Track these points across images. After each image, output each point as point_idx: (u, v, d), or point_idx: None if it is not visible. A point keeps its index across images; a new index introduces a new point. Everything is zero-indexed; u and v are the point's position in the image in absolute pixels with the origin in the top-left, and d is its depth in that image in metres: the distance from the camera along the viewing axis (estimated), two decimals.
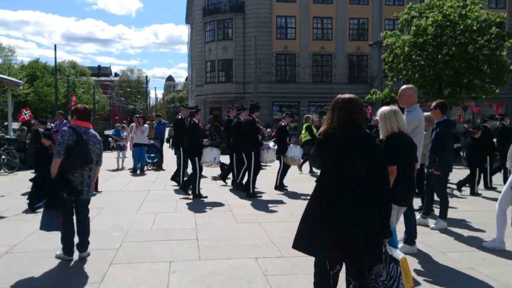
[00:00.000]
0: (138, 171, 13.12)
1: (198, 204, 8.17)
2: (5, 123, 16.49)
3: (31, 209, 4.54)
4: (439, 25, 19.91)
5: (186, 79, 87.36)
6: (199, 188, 8.84)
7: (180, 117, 10.41)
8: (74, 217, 4.89)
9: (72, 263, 4.77)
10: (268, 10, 35.71)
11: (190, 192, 8.88)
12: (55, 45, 37.63)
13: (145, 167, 13.74)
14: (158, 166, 14.24)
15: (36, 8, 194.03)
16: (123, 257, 4.97)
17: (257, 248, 5.33)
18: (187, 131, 9.04)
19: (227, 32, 36.79)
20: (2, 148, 13.14)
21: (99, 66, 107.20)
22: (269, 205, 8.12)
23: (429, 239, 5.74)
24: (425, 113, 5.88)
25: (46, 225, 4.54)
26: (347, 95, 2.88)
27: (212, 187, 10.46)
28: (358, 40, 36.68)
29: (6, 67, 48.48)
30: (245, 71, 35.95)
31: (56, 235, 4.86)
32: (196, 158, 8.79)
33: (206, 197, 8.78)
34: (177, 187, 9.94)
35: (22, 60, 63.86)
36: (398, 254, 2.81)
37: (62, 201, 4.50)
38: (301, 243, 2.83)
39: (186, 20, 55.69)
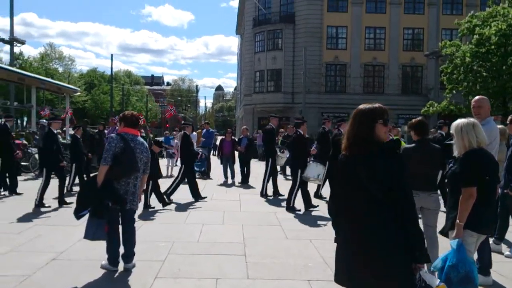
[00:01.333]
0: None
1: (247, 217, 7.89)
2: (64, 129, 17.18)
3: (76, 216, 4.41)
4: (503, 34, 18.63)
5: (235, 89, 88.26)
6: (294, 201, 8.56)
7: (271, 127, 10.58)
8: (120, 227, 4.73)
9: (117, 274, 4.61)
10: (319, 20, 35.29)
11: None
12: (111, 55, 39.23)
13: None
14: (205, 175, 14.14)
15: (95, 20, 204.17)
16: (169, 271, 4.74)
17: (309, 269, 4.94)
18: (291, 143, 8.94)
19: (277, 42, 36.72)
20: None
21: (152, 75, 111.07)
22: (320, 221, 7.67)
23: (504, 268, 5.11)
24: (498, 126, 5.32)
25: (90, 234, 4.41)
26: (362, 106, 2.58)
27: (261, 199, 10.15)
28: (413, 50, 35.43)
29: (67, 75, 51.02)
30: (294, 81, 35.65)
31: (103, 244, 4.72)
32: (300, 171, 8.42)
33: (299, 210, 8.50)
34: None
35: (81, 69, 67.27)
36: (435, 281, 2.45)
37: (107, 210, 4.34)
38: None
39: (236, 31, 56.38)
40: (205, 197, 9.53)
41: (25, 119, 32.49)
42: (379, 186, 2.35)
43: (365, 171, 2.38)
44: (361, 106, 2.58)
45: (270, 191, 10.43)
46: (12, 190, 9.61)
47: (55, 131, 8.72)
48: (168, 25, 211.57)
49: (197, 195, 9.43)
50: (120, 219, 4.69)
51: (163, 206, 8.54)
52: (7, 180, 9.71)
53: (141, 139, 4.76)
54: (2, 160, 9.57)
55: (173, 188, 9.44)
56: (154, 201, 8.69)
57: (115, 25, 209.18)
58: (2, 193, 9.53)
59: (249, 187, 12.22)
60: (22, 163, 13.36)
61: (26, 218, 7.23)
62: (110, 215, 4.45)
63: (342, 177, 2.52)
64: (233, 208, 8.68)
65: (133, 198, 4.63)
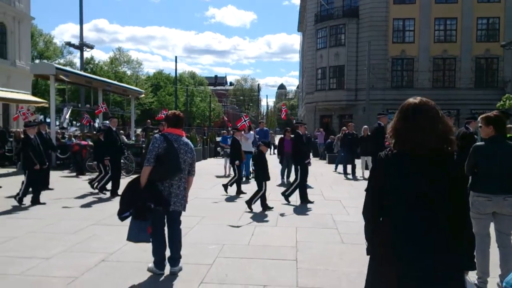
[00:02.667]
0: (244, 179, 12.95)
1: (301, 219, 7.55)
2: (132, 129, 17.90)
3: (120, 217, 4.32)
4: None
5: (297, 87, 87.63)
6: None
7: (380, 125, 10.18)
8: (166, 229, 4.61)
9: (163, 278, 4.49)
10: (384, 13, 33.85)
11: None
12: (175, 57, 40.35)
13: (250, 175, 13.54)
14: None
15: (161, 24, 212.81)
16: (215, 276, 4.55)
17: (364, 278, 4.50)
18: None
19: (340, 38, 35.76)
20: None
21: (215, 76, 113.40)
22: None
23: None
24: None
25: (133, 236, 4.29)
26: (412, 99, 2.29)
27: (319, 199, 9.75)
28: (487, 41, 32.85)
29: (134, 78, 53.45)
30: (358, 78, 34.51)
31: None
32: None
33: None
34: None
35: (148, 72, 70.23)
36: None
37: (150, 212, 4.22)
38: None
39: (298, 28, 55.87)
40: (312, 201, 9.24)
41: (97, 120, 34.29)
42: (437, 188, 2.11)
43: (423, 172, 2.13)
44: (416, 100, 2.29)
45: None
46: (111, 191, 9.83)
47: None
48: (231, 25, 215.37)
49: (305, 198, 9.26)
50: (165, 221, 4.57)
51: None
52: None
53: (186, 140, 4.60)
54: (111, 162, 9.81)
55: (292, 190, 9.20)
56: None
57: (180, 28, 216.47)
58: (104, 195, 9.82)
59: (307, 186, 11.80)
60: (88, 163, 13.99)
61: (84, 217, 7.42)
62: (154, 216, 4.33)
63: (393, 178, 2.22)
64: (288, 210, 8.37)
65: (177, 200, 4.48)
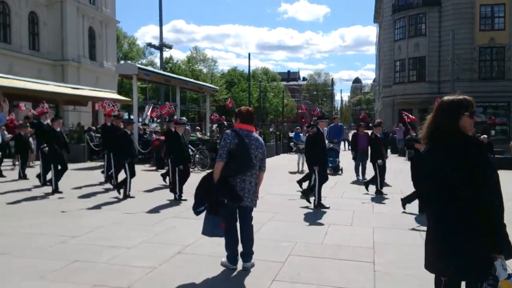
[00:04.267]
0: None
1: (379, 218, 7.23)
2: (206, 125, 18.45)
3: (195, 212, 4.42)
4: None
5: (374, 81, 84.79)
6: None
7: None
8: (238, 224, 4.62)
9: (235, 273, 4.50)
10: (470, 0, 31.48)
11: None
12: (249, 54, 40.99)
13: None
14: (336, 170, 13.60)
15: (235, 22, 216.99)
16: (287, 274, 4.46)
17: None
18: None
19: (420, 27, 33.95)
20: (196, 148, 14.46)
21: (288, 71, 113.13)
22: None
23: None
24: None
25: (207, 230, 4.37)
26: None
27: (397, 199, 9.29)
28: None
29: (210, 76, 55.07)
30: (440, 69, 32.52)
31: None
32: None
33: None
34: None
35: (223, 69, 71.98)
36: (503, 274, 2.41)
37: (223, 207, 4.26)
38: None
39: (374, 19, 53.91)
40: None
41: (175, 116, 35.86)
42: (463, 179, 2.36)
43: (450, 163, 2.39)
44: (446, 98, 2.58)
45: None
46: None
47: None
48: (304, 20, 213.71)
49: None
50: (237, 216, 4.58)
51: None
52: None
53: (256, 135, 4.58)
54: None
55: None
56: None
57: (253, 25, 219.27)
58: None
59: (385, 184, 11.32)
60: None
61: (163, 210, 7.71)
62: (227, 212, 4.37)
63: (426, 171, 2.53)
64: (364, 208, 8.06)
65: (250, 195, 4.47)
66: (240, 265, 4.58)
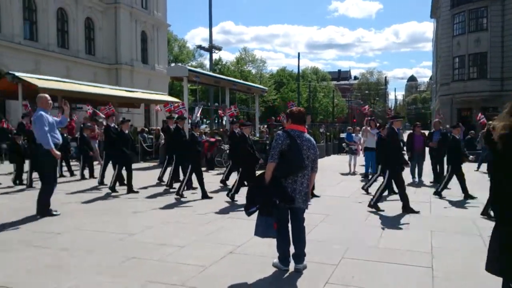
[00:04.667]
0: (370, 177, 12.37)
1: (437, 222, 6.89)
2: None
3: (247, 213, 4.40)
4: None
5: (430, 78, 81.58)
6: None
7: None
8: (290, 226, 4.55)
9: (287, 274, 4.42)
10: None
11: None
12: (298, 53, 41.04)
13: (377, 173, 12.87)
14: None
15: (284, 21, 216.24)
16: (341, 277, 4.33)
17: None
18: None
19: (481, 22, 32.31)
20: None
21: (339, 70, 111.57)
22: None
23: None
24: None
25: (260, 231, 4.33)
26: None
27: (457, 202, 8.83)
28: None
29: (258, 76, 55.34)
30: (504, 65, 30.71)
31: None
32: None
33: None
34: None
35: (271, 70, 72.12)
36: None
37: (275, 208, 4.21)
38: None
39: (431, 15, 51.88)
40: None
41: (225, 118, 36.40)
42: None
43: None
44: None
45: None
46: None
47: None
48: (355, 17, 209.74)
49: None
50: (289, 217, 4.51)
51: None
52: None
53: (308, 136, 4.50)
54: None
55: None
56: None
57: (302, 24, 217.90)
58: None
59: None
60: (217, 158, 14.76)
61: (214, 210, 7.76)
62: (278, 213, 4.31)
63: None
64: (421, 211, 7.70)
65: (301, 197, 4.40)
66: (292, 266, 4.50)
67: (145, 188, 10.21)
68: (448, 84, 34.86)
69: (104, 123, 11.58)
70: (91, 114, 15.08)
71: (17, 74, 16.77)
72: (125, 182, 9.61)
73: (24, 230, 6.11)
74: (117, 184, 9.67)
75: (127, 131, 9.88)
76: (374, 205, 7.75)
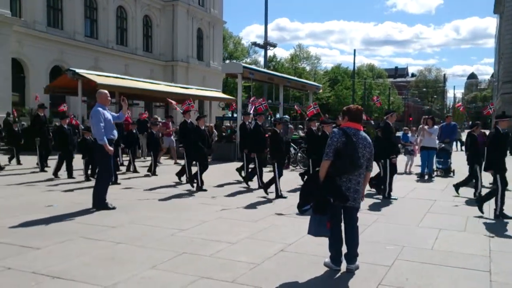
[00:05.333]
0: (426, 177, 12.01)
1: (496, 225, 6.59)
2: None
3: (300, 211, 4.43)
4: None
5: (492, 76, 77.21)
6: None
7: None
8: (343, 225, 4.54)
9: (339, 274, 4.42)
10: None
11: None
12: (354, 50, 40.02)
13: (434, 173, 12.45)
14: (447, 172, 12.66)
15: (340, 17, 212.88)
16: (394, 279, 4.27)
17: None
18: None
19: None
20: (298, 147, 14.50)
21: (396, 67, 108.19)
22: None
23: None
24: None
25: (313, 230, 4.34)
26: None
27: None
28: None
29: (313, 73, 54.82)
30: None
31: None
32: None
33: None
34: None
35: (326, 67, 71.21)
36: None
37: (329, 206, 4.20)
38: None
39: (494, 10, 49.02)
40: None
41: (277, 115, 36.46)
42: None
43: None
44: None
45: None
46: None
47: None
48: (414, 13, 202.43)
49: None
50: (342, 217, 4.50)
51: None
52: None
53: (364, 134, 4.46)
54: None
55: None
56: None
57: (358, 20, 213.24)
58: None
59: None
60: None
61: (265, 207, 7.84)
62: (332, 212, 4.30)
63: None
64: (479, 213, 7.38)
65: (355, 195, 4.36)
66: (344, 266, 4.48)
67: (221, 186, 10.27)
68: (511, 82, 32.89)
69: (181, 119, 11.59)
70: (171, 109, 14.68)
71: (77, 70, 17.50)
72: (191, 177, 9.68)
73: (78, 223, 6.32)
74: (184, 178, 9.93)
75: (203, 127, 9.85)
76: (500, 214, 7.09)
